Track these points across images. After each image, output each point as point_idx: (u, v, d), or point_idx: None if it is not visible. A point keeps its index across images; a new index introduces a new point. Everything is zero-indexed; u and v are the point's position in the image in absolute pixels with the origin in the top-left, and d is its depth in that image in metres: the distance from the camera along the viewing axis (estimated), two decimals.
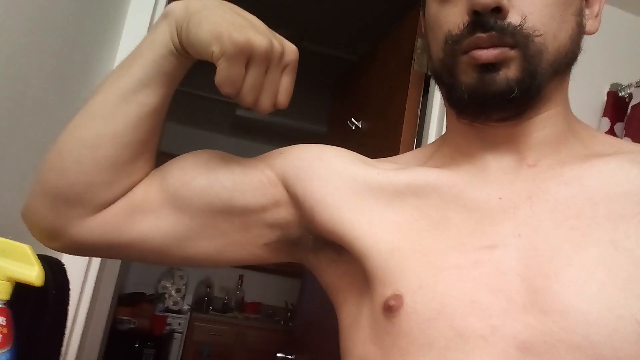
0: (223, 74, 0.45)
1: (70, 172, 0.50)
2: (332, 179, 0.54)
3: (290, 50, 0.48)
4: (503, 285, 0.44)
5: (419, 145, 1.52)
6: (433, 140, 1.50)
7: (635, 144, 0.55)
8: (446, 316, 0.43)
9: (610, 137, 0.56)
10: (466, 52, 0.47)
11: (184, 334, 3.59)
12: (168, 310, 3.65)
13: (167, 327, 3.54)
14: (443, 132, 1.43)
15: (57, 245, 0.54)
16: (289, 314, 3.96)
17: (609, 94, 1.49)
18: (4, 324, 0.47)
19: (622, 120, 1.45)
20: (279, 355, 1.97)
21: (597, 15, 0.53)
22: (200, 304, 3.89)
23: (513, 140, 0.51)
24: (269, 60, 0.46)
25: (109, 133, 0.50)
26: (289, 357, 1.96)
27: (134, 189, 0.54)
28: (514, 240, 0.46)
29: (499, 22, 0.46)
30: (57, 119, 0.92)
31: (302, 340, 1.98)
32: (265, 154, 0.58)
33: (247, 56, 0.45)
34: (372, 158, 0.59)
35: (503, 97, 0.47)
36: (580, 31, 0.50)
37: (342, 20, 2.35)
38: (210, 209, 0.54)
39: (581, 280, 0.42)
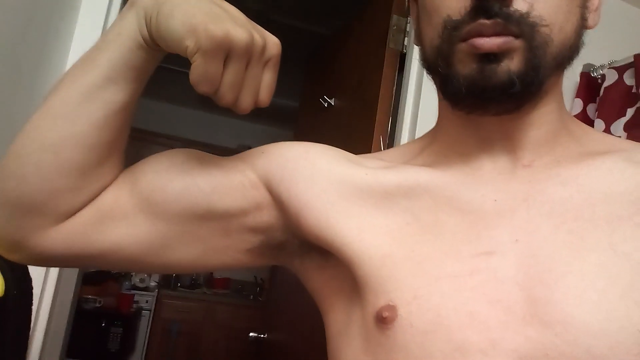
0: (199, 71, 0.40)
1: (31, 179, 0.45)
2: (319, 180, 0.50)
3: (273, 43, 0.44)
4: (501, 295, 0.42)
5: (394, 124, 1.50)
6: (408, 119, 1.49)
7: (628, 141, 0.54)
8: (443, 329, 0.41)
9: (603, 134, 0.55)
10: (465, 39, 0.44)
11: (152, 312, 3.55)
12: (135, 287, 3.59)
13: (134, 305, 3.49)
14: (419, 112, 1.42)
15: (18, 257, 0.50)
16: (258, 288, 3.96)
17: (582, 74, 1.49)
18: None
19: (594, 102, 1.45)
20: (251, 334, 1.96)
21: (596, 9, 0.50)
22: (168, 281, 3.85)
23: (508, 138, 0.48)
24: (249, 55, 0.42)
25: (73, 135, 0.45)
26: (262, 336, 1.96)
27: (102, 194, 0.50)
28: (511, 246, 0.44)
29: (504, 8, 0.42)
30: (11, 105, 0.85)
31: (275, 318, 1.98)
32: (245, 152, 0.54)
33: (225, 51, 0.41)
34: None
35: (503, 91, 0.44)
36: (583, 24, 0.48)
37: None
38: (187, 214, 0.50)
39: (581, 289, 0.40)
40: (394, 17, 1.52)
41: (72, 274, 1.53)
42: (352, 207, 0.49)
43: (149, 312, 3.54)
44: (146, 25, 0.44)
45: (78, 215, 0.49)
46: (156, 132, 3.71)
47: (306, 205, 0.50)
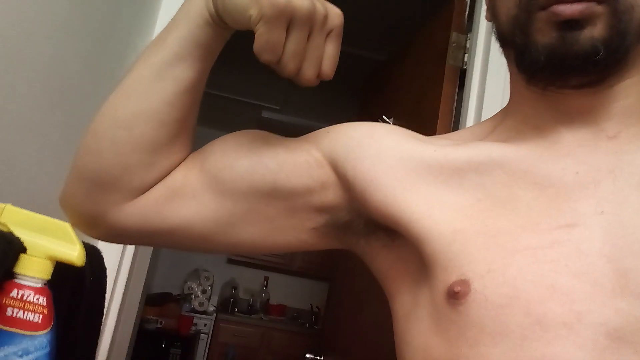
0: (262, 40, 0.41)
1: (106, 154, 0.48)
2: (385, 158, 0.50)
3: (335, 14, 0.44)
4: (587, 267, 0.39)
5: None
6: None
7: None
8: (521, 302, 0.39)
9: None
10: (544, 7, 0.42)
11: (210, 335, 3.59)
12: (194, 310, 3.65)
13: (193, 328, 3.54)
14: None
15: (96, 233, 0.52)
16: (313, 316, 3.93)
17: None
18: (45, 304, 0.45)
19: None
20: (308, 356, 1.93)
21: None
22: (226, 305, 3.89)
23: (590, 111, 0.46)
24: (311, 24, 0.42)
25: (145, 111, 0.47)
26: (318, 358, 1.93)
27: (173, 172, 0.52)
28: (596, 219, 0.41)
29: None
30: (93, 102, 0.91)
31: (331, 342, 1.95)
32: (311, 133, 0.55)
33: (287, 19, 0.41)
34: None
35: (586, 59, 0.41)
36: None
37: (369, 21, 2.32)
38: (254, 192, 0.51)
39: None
40: (454, 35, 1.52)
41: (137, 292, 1.58)
42: (420, 183, 0.48)
43: (206, 335, 3.58)
44: (213, 2, 0.46)
45: (150, 191, 0.50)
46: None
47: (372, 183, 0.49)
